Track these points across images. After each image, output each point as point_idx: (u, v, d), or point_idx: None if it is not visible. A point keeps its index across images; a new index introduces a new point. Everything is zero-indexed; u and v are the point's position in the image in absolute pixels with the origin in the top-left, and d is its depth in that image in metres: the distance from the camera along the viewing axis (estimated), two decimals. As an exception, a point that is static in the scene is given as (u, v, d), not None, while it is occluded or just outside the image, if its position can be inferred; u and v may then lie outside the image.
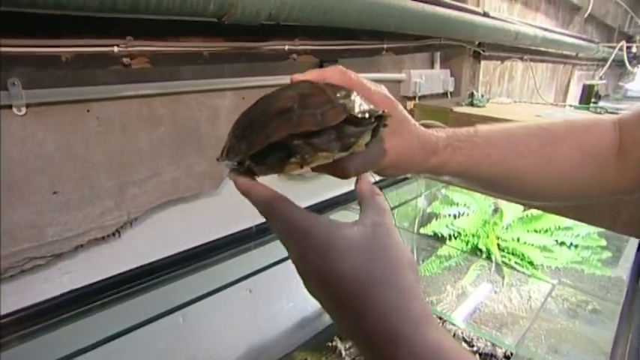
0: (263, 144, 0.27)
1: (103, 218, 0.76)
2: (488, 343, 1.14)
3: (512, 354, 1.07)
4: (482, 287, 1.37)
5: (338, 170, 0.35)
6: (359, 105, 0.28)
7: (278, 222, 0.29)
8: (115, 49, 0.64)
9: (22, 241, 0.67)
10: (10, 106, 0.62)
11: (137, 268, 0.83)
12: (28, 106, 0.63)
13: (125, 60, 0.65)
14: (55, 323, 0.71)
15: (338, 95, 0.28)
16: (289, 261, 0.29)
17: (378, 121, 0.30)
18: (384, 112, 0.30)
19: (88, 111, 0.71)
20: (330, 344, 1.06)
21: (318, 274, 0.27)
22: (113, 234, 0.79)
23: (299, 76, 0.34)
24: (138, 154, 0.78)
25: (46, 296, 0.72)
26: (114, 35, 0.65)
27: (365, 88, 0.35)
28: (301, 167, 0.29)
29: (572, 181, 0.45)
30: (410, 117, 0.38)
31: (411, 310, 0.26)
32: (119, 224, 0.79)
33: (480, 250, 1.52)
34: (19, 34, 0.57)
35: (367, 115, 0.28)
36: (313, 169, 0.36)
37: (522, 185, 0.45)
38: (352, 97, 0.29)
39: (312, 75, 0.34)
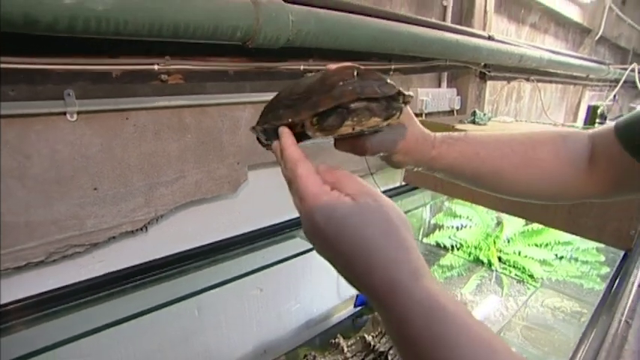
0: (329, 104, 0.32)
1: (134, 214, 0.85)
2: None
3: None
4: (481, 295, 1.43)
5: (358, 148, 0.43)
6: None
7: (295, 183, 0.32)
8: (156, 67, 0.74)
9: (66, 229, 0.76)
10: (64, 113, 0.72)
11: (160, 258, 0.91)
12: (79, 113, 0.73)
13: (163, 77, 0.75)
14: (86, 302, 0.79)
15: (384, 76, 0.36)
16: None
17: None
18: (409, 94, 0.37)
19: (127, 119, 0.80)
20: (333, 341, 1.10)
21: (324, 238, 0.30)
22: (141, 228, 0.87)
23: (333, 66, 0.38)
24: (167, 158, 0.87)
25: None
26: (154, 55, 0.75)
27: None
28: (352, 129, 0.34)
29: (550, 183, 0.51)
30: (415, 117, 0.49)
31: (409, 262, 0.28)
32: (147, 220, 0.87)
33: (482, 262, 1.57)
34: (78, 53, 0.68)
35: (404, 94, 0.36)
36: (336, 147, 0.45)
37: (505, 182, 0.51)
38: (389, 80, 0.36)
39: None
